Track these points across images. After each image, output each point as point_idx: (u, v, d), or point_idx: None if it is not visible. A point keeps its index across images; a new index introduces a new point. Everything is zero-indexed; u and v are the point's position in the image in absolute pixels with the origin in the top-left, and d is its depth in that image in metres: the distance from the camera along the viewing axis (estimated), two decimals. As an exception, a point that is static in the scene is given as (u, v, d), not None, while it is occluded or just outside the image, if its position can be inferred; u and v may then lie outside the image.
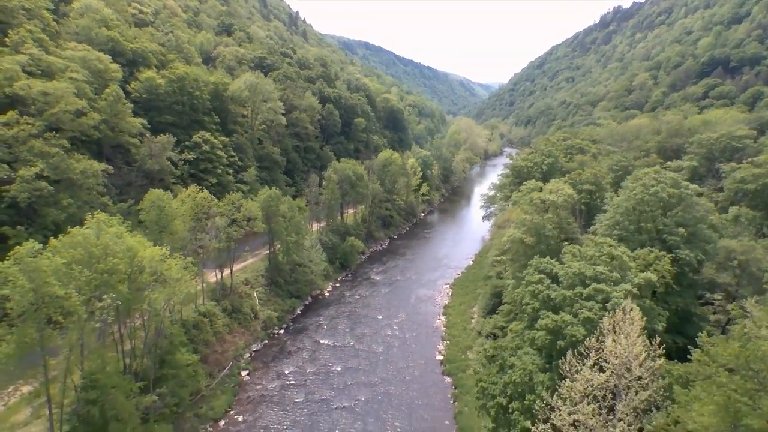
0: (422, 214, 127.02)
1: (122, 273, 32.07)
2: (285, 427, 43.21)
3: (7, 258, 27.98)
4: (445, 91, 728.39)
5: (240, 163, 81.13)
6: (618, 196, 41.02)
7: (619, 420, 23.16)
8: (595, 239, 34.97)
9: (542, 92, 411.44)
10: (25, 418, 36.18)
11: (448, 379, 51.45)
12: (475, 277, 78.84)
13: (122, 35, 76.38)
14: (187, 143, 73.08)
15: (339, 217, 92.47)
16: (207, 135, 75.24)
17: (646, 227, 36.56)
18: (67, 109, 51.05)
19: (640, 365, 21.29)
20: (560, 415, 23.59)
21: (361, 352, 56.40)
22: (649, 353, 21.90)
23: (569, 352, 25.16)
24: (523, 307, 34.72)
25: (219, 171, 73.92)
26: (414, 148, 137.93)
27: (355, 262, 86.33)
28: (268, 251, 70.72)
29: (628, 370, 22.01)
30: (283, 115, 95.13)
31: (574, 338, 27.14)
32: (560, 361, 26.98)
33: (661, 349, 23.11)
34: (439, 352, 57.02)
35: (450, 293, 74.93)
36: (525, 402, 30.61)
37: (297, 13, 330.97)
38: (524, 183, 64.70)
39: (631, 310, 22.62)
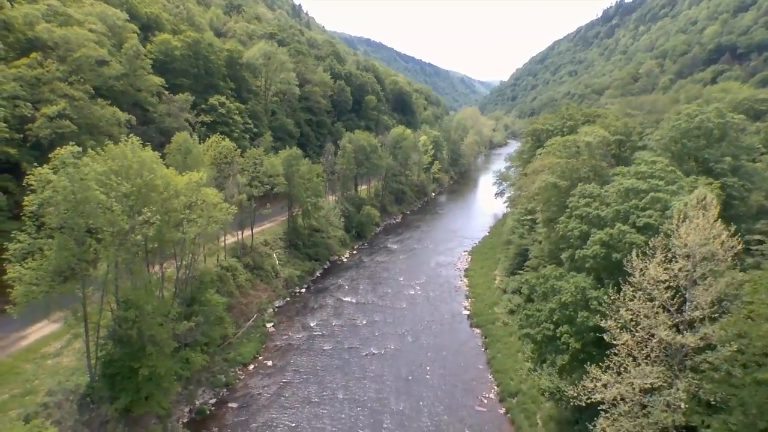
0: (433, 194, 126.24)
1: (160, 191, 31.10)
2: (317, 370, 42.31)
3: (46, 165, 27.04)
4: (446, 88, 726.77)
5: (255, 129, 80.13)
6: (658, 131, 40.12)
7: (690, 317, 22.29)
8: (645, 158, 34.07)
9: (545, 86, 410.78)
10: (56, 350, 35.32)
11: (477, 330, 50.57)
12: (493, 245, 78.01)
13: (136, -1, 75.41)
14: (203, 106, 72.06)
15: (353, 190, 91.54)
16: (223, 99, 74.25)
17: (692, 156, 35.69)
18: (89, 55, 50.04)
19: (722, 244, 20.34)
20: (626, 311, 22.67)
21: (386, 308, 55.48)
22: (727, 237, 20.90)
23: (633, 252, 24.21)
24: (568, 233, 33.81)
25: (236, 135, 72.87)
26: (423, 127, 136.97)
27: (371, 232, 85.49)
28: (285, 217, 69.91)
29: (705, 258, 21.08)
30: (297, 86, 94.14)
31: (633, 246, 26.20)
32: (624, 264, 25.92)
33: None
34: (465, 308, 56.13)
35: (469, 259, 74.06)
36: (577, 321, 29.69)
37: (300, 5, 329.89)
38: (544, 146, 63.74)
39: (705, 197, 21.70)
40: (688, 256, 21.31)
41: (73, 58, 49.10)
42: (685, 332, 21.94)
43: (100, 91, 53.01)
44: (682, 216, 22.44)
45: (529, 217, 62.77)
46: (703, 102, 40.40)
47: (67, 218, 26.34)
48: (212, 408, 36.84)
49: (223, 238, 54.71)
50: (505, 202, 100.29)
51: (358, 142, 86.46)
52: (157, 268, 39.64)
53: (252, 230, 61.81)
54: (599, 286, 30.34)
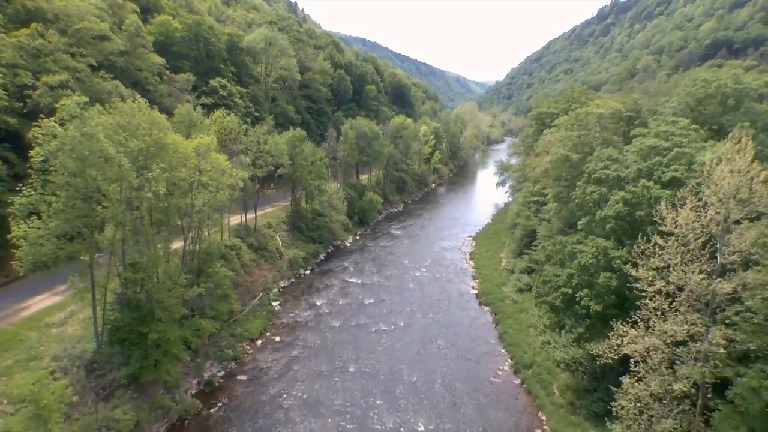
0: (433, 185, 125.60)
1: (170, 151, 30.14)
2: (327, 345, 41.43)
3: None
4: (441, 88, 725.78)
5: (256, 114, 79.05)
6: (673, 99, 39.55)
7: (725, 262, 21.69)
8: (665, 119, 33.48)
9: (540, 84, 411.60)
10: (60, 320, 34.26)
11: (486, 308, 49.89)
12: (497, 231, 77.40)
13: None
14: (204, 89, 70.95)
15: (355, 177, 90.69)
16: (224, 81, 73.19)
17: (707, 124, 35.16)
18: (90, 28, 48.93)
19: (764, 182, 19.69)
20: (658, 258, 22.01)
21: (392, 288, 54.68)
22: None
23: (663, 202, 23.54)
24: (586, 198, 33.17)
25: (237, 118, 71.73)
26: (424, 118, 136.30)
27: (373, 219, 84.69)
28: (287, 202, 68.99)
29: (741, 201, 20.42)
30: (298, 72, 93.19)
31: (659, 200, 25.54)
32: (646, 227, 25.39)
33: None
34: (473, 288, 55.43)
35: (473, 244, 73.38)
36: (598, 282, 29.03)
37: (296, 2, 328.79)
38: (552, 125, 63.20)
39: (741, 138, 21.04)
40: (722, 201, 20.66)
41: (74, 30, 47.98)
42: (718, 280, 21.32)
43: (101, 67, 51.87)
44: (715, 160, 21.80)
45: (535, 198, 62.29)
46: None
47: (74, 171, 25.33)
48: (221, 380, 35.89)
49: (227, 218, 53.70)
50: (506, 192, 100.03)
51: (360, 128, 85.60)
52: (161, 246, 38.61)
53: (255, 212, 60.83)
54: (620, 247, 29.74)
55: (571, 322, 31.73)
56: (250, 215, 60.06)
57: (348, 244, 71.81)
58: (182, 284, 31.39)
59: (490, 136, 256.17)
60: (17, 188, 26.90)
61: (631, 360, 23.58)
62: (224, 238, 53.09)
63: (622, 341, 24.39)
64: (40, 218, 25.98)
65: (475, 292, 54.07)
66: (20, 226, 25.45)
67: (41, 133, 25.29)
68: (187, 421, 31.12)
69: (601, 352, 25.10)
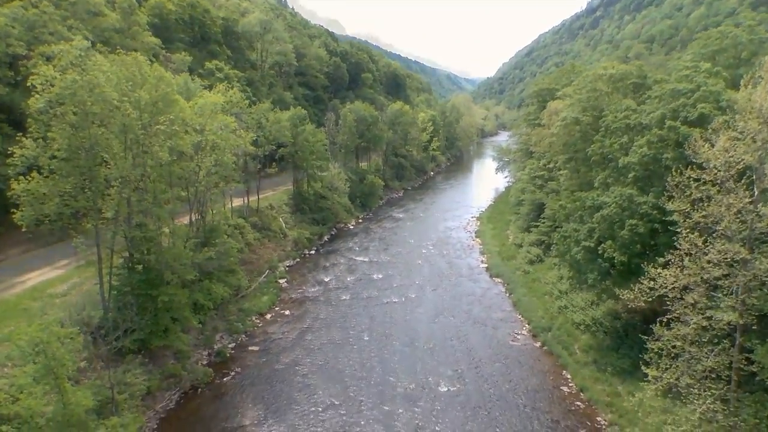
0: (432, 173, 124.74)
1: (177, 108, 28.87)
2: (338, 317, 40.33)
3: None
4: (433, 85, 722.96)
5: (254, 98, 77.60)
6: (688, 53, 38.78)
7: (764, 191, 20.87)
8: (686, 64, 32.70)
9: (532, 78, 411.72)
10: (64, 291, 32.85)
11: (498, 280, 49.00)
12: (501, 211, 76.67)
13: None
14: (200, 71, 69.45)
15: (356, 163, 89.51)
16: (221, 64, 71.79)
17: (722, 75, 34.45)
18: (85, 0, 47.46)
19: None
20: (695, 189, 21.14)
21: (400, 265, 53.65)
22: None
23: (695, 133, 22.68)
24: (605, 151, 32.33)
25: (235, 101, 70.38)
26: (420, 106, 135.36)
27: (375, 203, 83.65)
28: (289, 186, 67.79)
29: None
30: (294, 58, 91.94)
31: (689, 137, 24.68)
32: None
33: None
34: (482, 262, 54.58)
35: (478, 224, 72.52)
36: (623, 232, 28.14)
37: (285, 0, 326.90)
38: (557, 95, 62.47)
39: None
40: (766, 121, 19.80)
41: (68, 3, 46.49)
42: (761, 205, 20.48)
43: (96, 44, 50.34)
44: (750, 83, 21.00)
45: (541, 173, 61.55)
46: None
47: (75, 123, 24.00)
48: (232, 351, 34.68)
49: (228, 201, 52.39)
50: (506, 177, 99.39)
51: (359, 112, 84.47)
52: (169, 207, 37.31)
53: (258, 193, 59.58)
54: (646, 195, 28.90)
55: (594, 276, 30.81)
56: (252, 198, 58.79)
57: (351, 227, 70.67)
58: (191, 247, 30.14)
59: (484, 128, 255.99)
60: (16, 137, 25.41)
61: (667, 299, 22.70)
62: (227, 217, 51.76)
63: (654, 283, 23.55)
64: (41, 174, 24.68)
65: (485, 265, 53.21)
66: (19, 182, 24.14)
67: (40, 83, 23.96)
68: (200, 390, 29.92)
69: (633, 296, 24.21)
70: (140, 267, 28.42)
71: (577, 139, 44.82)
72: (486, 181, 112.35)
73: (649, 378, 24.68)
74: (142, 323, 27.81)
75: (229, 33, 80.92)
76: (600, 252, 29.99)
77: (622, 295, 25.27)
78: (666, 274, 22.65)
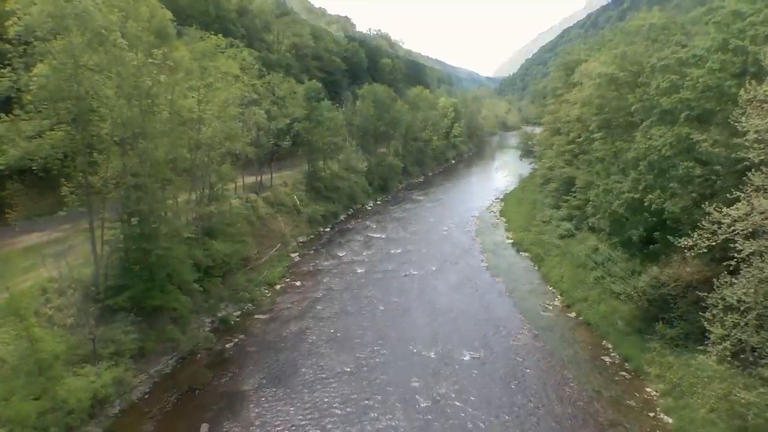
0: (453, 161, 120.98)
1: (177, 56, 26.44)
2: (351, 288, 37.48)
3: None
4: (453, 83, 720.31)
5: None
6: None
7: None
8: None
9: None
10: (57, 251, 30.80)
11: (525, 254, 45.42)
12: (526, 192, 72.58)
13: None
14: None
15: (374, 144, 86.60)
16: (236, 42, 69.81)
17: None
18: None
19: None
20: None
21: (419, 240, 50.50)
22: None
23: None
24: (653, 94, 28.54)
25: (250, 79, 68.39)
26: (442, 91, 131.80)
27: (394, 187, 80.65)
28: (302, 167, 65.27)
29: None
30: (311, 40, 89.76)
31: (759, 58, 20.98)
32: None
33: None
34: (507, 238, 50.96)
35: (501, 204, 68.76)
36: (677, 174, 24.45)
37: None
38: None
39: None
40: None
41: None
42: None
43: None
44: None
45: (570, 146, 57.59)
46: None
47: (57, 48, 21.70)
48: (237, 319, 32.12)
49: (240, 179, 50.15)
50: (531, 162, 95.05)
51: (377, 93, 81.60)
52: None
53: (271, 170, 57.37)
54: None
55: (639, 232, 27.13)
56: (265, 176, 56.56)
57: (369, 207, 67.84)
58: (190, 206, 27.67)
59: (507, 122, 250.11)
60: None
61: (737, 241, 19.08)
62: (239, 193, 49.60)
63: (719, 226, 19.95)
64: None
65: (511, 241, 49.61)
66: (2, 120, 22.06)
67: (19, 6, 21.78)
68: (199, 355, 27.43)
69: (693, 243, 20.61)
70: (134, 220, 26.03)
71: (612, 98, 40.96)
72: (509, 168, 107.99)
73: (711, 339, 21.09)
74: (134, 279, 25.51)
75: (245, 12, 79.19)
76: (647, 204, 26.34)
77: (678, 243, 21.66)
78: (737, 206, 19.07)
